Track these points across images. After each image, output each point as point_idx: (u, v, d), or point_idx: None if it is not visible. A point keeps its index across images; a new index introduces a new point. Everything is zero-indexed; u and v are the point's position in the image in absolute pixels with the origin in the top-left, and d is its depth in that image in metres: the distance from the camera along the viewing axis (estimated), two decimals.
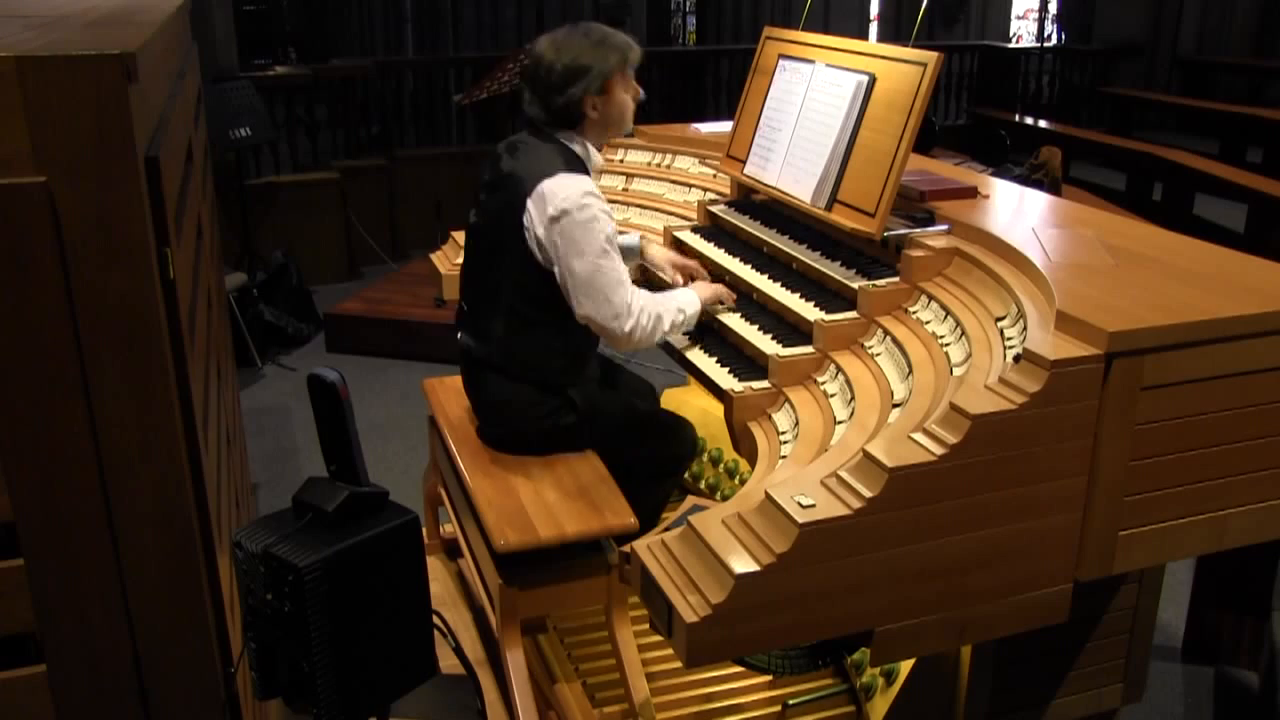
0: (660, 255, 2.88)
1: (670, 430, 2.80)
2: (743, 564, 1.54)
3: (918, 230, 2.36)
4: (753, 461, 2.15)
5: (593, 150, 2.54)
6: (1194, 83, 11.72)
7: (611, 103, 2.50)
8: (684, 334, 2.62)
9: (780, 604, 1.57)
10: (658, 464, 2.77)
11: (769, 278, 2.62)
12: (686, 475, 3.37)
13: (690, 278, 2.78)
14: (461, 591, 3.16)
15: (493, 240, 2.52)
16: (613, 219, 2.43)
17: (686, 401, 3.37)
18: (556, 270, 2.42)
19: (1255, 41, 12.13)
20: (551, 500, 2.43)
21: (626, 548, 1.71)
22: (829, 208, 2.52)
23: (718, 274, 2.79)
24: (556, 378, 2.55)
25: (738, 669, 2.59)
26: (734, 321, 2.55)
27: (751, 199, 3.06)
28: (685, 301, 2.57)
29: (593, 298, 2.40)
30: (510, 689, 2.40)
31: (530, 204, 2.40)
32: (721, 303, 2.61)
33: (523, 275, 2.46)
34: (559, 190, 2.37)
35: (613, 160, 3.73)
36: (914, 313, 2.21)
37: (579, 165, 2.48)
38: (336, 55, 10.18)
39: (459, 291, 2.72)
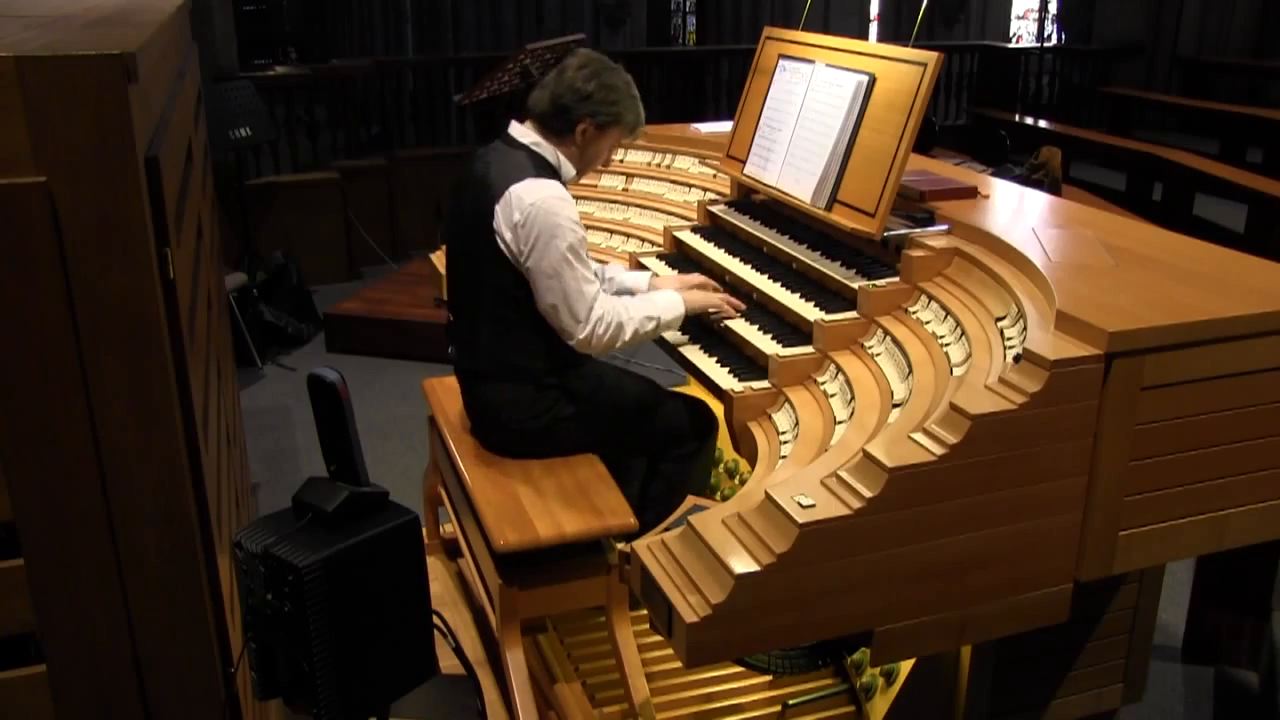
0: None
1: (677, 407, 2.73)
2: (743, 564, 1.54)
3: (918, 230, 2.36)
4: (753, 461, 2.15)
5: (564, 160, 2.56)
6: (1194, 83, 11.71)
7: (597, 143, 2.58)
8: (680, 333, 2.62)
9: (780, 604, 1.57)
10: (669, 444, 2.70)
11: (769, 278, 2.62)
12: None
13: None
14: (461, 591, 3.16)
15: (467, 247, 2.54)
16: (580, 228, 2.43)
17: None
18: (526, 271, 2.44)
19: (1255, 41, 12.12)
20: (551, 500, 2.43)
21: (626, 547, 1.71)
22: (829, 208, 2.52)
23: (718, 274, 2.79)
24: (548, 375, 2.55)
25: (738, 669, 2.59)
26: (734, 322, 2.54)
27: (751, 199, 3.06)
28: (664, 308, 2.54)
29: (551, 301, 2.43)
30: (510, 689, 2.40)
31: (498, 209, 2.42)
32: (716, 311, 2.57)
33: (500, 280, 2.47)
34: (525, 195, 2.39)
35: (613, 160, 3.72)
36: (914, 313, 2.21)
37: (549, 172, 2.50)
38: (336, 55, 10.19)
39: (447, 302, 2.72)
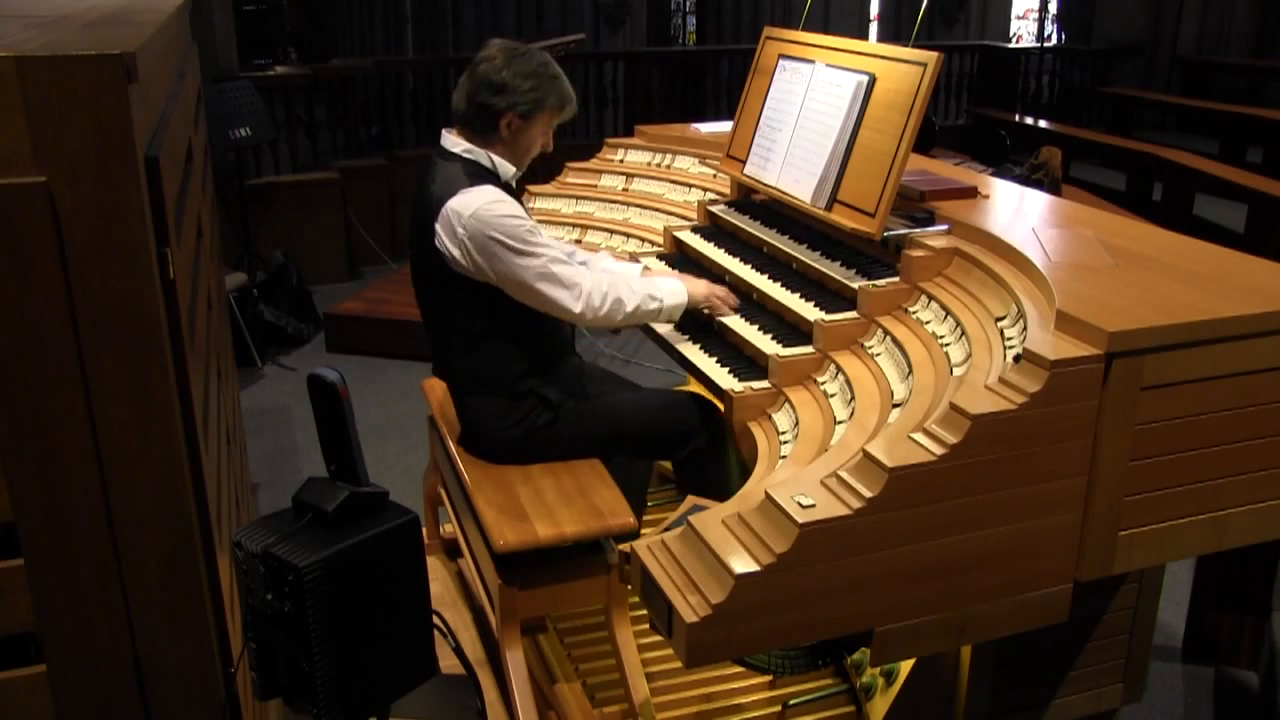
0: None
1: (674, 404, 2.69)
2: (743, 564, 1.54)
3: (918, 230, 2.36)
4: (753, 461, 2.15)
5: (499, 161, 2.49)
6: (1194, 83, 11.71)
7: (527, 134, 2.50)
8: (680, 332, 2.62)
9: (780, 604, 1.57)
10: (672, 445, 2.66)
11: (769, 278, 2.62)
12: None
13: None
14: (461, 591, 3.16)
15: (424, 265, 2.51)
16: (524, 219, 2.39)
17: None
18: (494, 282, 2.41)
19: (1255, 41, 12.12)
20: (551, 500, 2.43)
21: (626, 547, 1.71)
22: (829, 208, 2.52)
23: (718, 274, 2.79)
24: (524, 383, 2.53)
25: (738, 669, 2.59)
26: (734, 321, 2.54)
27: (751, 199, 3.06)
28: (668, 293, 2.53)
29: (533, 297, 2.42)
30: (510, 689, 2.40)
31: (439, 227, 2.39)
32: (714, 308, 2.57)
33: (457, 295, 2.45)
34: (462, 209, 2.35)
35: (613, 160, 3.73)
36: (914, 313, 2.21)
37: (485, 176, 2.45)
38: (336, 55, 10.20)
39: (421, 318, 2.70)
